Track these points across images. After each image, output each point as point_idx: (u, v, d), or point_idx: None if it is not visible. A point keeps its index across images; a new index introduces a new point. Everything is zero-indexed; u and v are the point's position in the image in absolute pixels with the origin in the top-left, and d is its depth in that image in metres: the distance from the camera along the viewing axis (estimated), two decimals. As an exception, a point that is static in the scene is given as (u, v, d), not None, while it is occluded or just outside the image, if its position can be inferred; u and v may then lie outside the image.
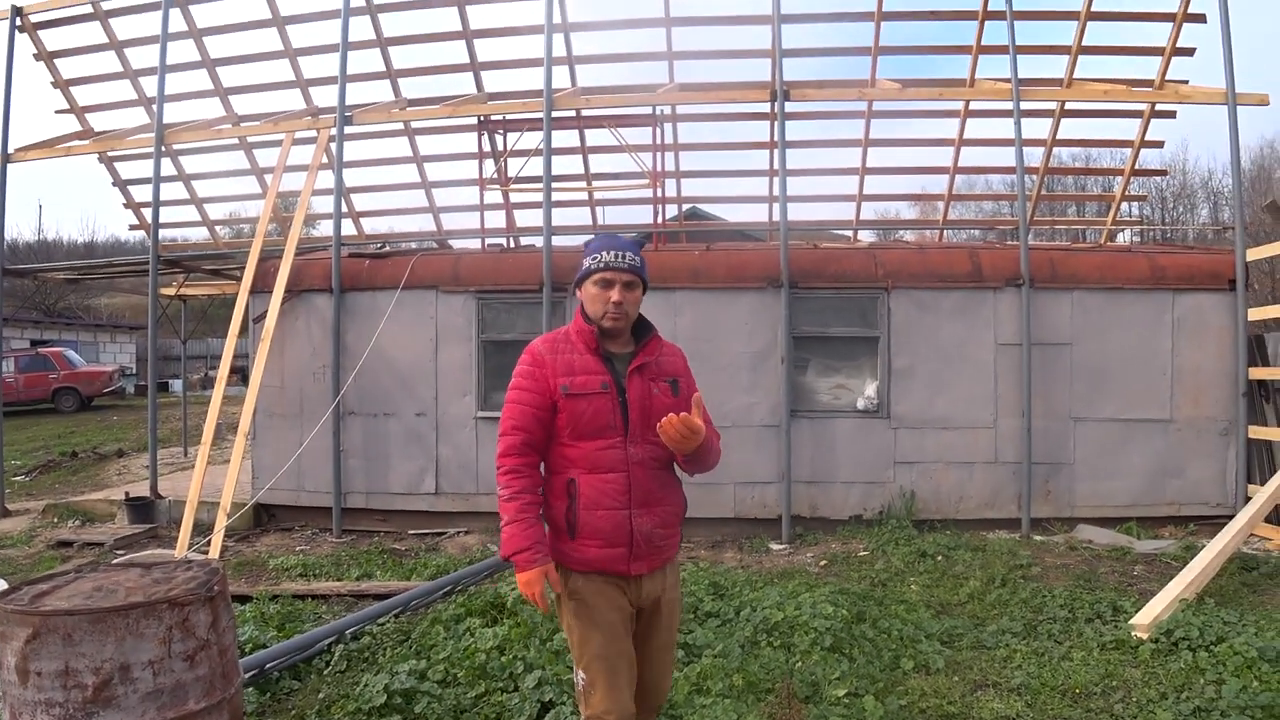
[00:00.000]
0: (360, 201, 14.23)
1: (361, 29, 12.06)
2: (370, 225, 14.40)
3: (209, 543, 9.12)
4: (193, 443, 15.98)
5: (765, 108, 10.99)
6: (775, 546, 9.55)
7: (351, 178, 13.45)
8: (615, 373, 3.22)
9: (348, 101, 10.99)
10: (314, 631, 5.74)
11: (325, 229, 11.60)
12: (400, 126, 13.14)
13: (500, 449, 3.22)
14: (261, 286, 10.50)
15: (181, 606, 3.33)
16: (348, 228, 13.72)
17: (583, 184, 13.40)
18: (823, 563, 8.70)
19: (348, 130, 11.15)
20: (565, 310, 10.21)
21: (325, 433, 10.17)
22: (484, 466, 10.25)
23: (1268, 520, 9.04)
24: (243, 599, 7.06)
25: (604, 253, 3.23)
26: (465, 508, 10.31)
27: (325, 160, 11.35)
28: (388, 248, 12.57)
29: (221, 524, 9.22)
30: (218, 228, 14.82)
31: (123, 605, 3.21)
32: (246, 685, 5.00)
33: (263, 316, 10.19)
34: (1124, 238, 16.63)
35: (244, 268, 10.70)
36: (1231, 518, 8.56)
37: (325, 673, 5.49)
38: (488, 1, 12.35)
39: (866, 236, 15.41)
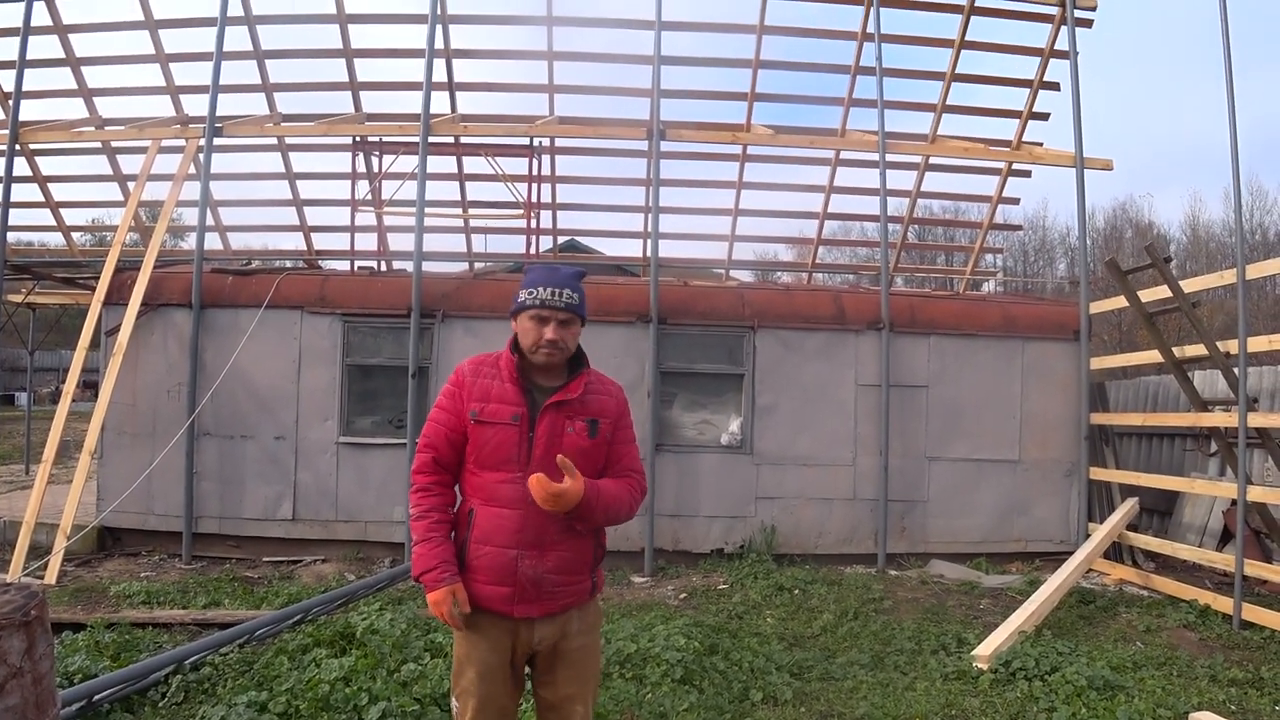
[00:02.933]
0: (228, 216, 13.86)
1: (238, 39, 11.83)
2: (238, 240, 14.05)
3: (46, 566, 8.66)
4: (36, 460, 15.15)
5: (643, 145, 11.17)
6: (637, 579, 9.60)
7: (220, 190, 13.22)
8: (533, 405, 3.12)
9: (220, 112, 10.71)
10: (149, 660, 5.50)
11: (192, 241, 11.25)
12: (274, 141, 12.88)
13: (413, 466, 3.21)
14: (117, 298, 10.07)
15: (-7, 633, 3.16)
16: (214, 242, 13.35)
17: (458, 210, 13.34)
18: (683, 595, 8.78)
19: (218, 142, 10.84)
20: (435, 337, 10.11)
21: (178, 453, 9.78)
22: (344, 493, 10.02)
23: (1105, 556, 9.58)
24: (77, 627, 6.71)
25: (541, 289, 3.11)
26: (323, 535, 10.05)
27: (193, 171, 11.01)
28: (255, 264, 12.25)
29: (60, 546, 8.77)
30: (75, 234, 14.18)
31: (-72, 632, 3.03)
32: (72, 719, 4.77)
33: (116, 329, 9.78)
34: (989, 287, 17.41)
35: (99, 277, 10.26)
36: (1073, 554, 9.05)
37: (160, 705, 5.26)
38: (370, 22, 12.27)
39: (742, 276, 15.75)
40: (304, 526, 10.05)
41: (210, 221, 12.73)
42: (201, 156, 10.73)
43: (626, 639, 6.26)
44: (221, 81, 10.71)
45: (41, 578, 8.46)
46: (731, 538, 10.18)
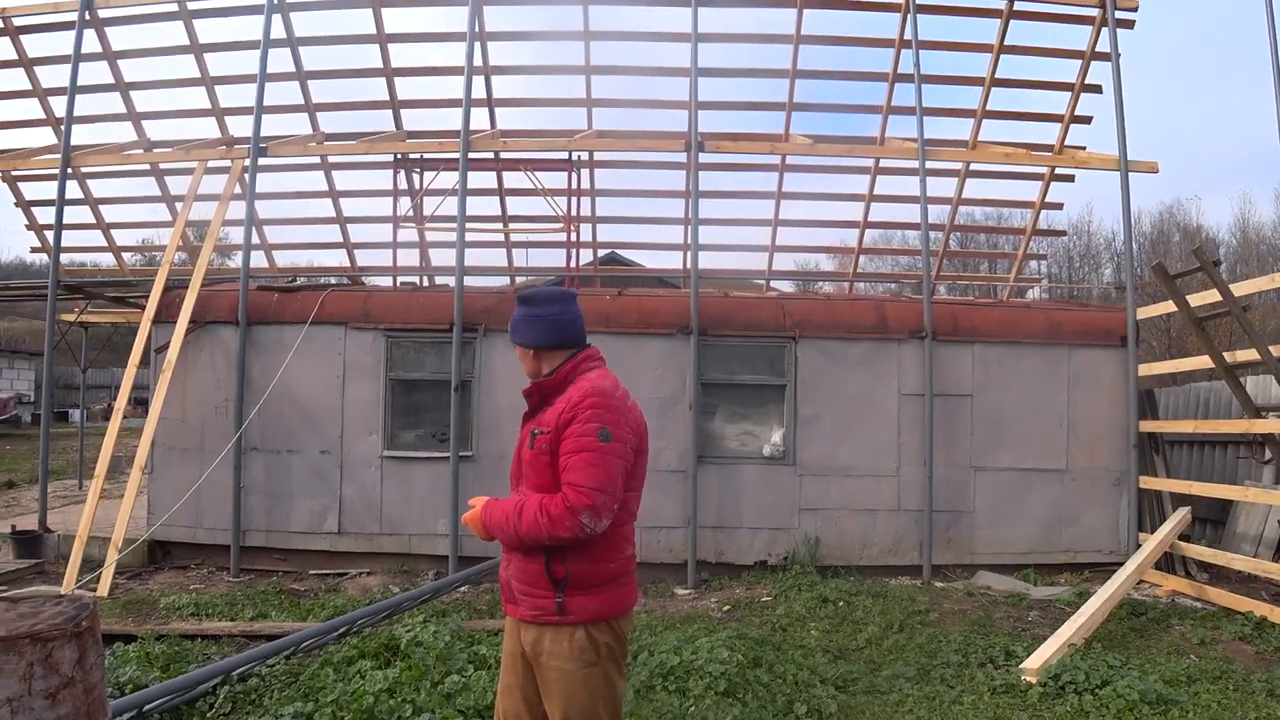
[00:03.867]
0: (273, 234, 14.08)
1: (281, 61, 12.05)
2: (283, 258, 14.27)
3: (98, 579, 8.82)
4: (89, 475, 15.44)
5: (682, 157, 11.19)
6: (680, 591, 9.58)
7: (265, 209, 13.34)
8: None
9: (264, 133, 10.88)
10: (198, 672, 5.58)
11: (238, 260, 11.43)
12: (317, 160, 13.07)
13: None
14: (166, 316, 10.26)
15: (45, 642, 3.21)
16: (260, 260, 13.57)
17: (499, 225, 13.45)
18: (726, 608, 8.74)
19: (263, 161, 11.01)
20: (477, 351, 10.19)
21: (226, 468, 9.94)
22: (389, 507, 10.12)
23: (1157, 567, 9.39)
24: (128, 638, 6.82)
25: (518, 307, 3.42)
26: (368, 548, 10.14)
27: (239, 191, 11.21)
28: (300, 281, 12.43)
29: (112, 559, 8.93)
30: (125, 254, 14.48)
31: (-17, 642, 3.10)
32: (123, 728, 4.85)
33: (166, 347, 9.97)
34: (1034, 294, 17.21)
35: (149, 296, 10.46)
36: (1123, 564, 8.88)
37: (209, 715, 5.34)
38: (409, 41, 12.43)
39: (783, 286, 15.71)
40: (349, 540, 10.16)
41: (256, 240, 12.93)
42: (246, 176, 10.93)
43: (669, 651, 6.24)
44: (265, 103, 10.88)
45: (94, 590, 8.62)
46: (775, 549, 10.12)
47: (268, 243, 14.00)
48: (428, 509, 10.06)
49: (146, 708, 5.05)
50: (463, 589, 9.21)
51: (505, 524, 3.16)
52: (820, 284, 22.86)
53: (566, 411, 3.15)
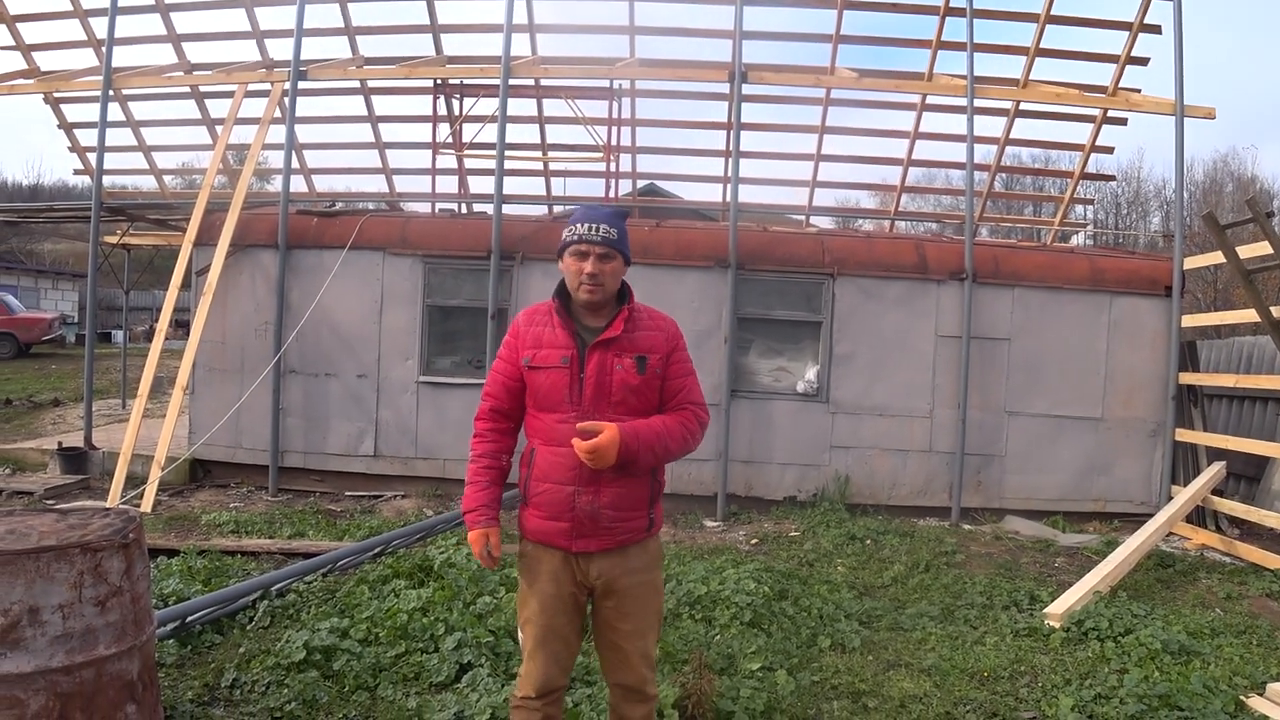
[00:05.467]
0: (313, 158, 14.09)
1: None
2: (322, 183, 14.24)
3: (141, 495, 9.03)
4: (131, 395, 15.73)
5: (724, 88, 11.00)
6: (709, 523, 9.66)
7: (304, 134, 13.31)
8: (582, 346, 3.19)
9: (304, 56, 10.85)
10: (238, 586, 5.72)
11: (279, 184, 11.49)
12: (356, 85, 13.00)
13: (476, 413, 3.37)
14: (206, 239, 10.33)
15: (94, 552, 3.32)
16: (299, 185, 13.59)
17: (538, 154, 13.36)
18: (754, 541, 8.81)
19: (302, 85, 10.96)
20: (514, 279, 10.20)
21: (265, 390, 10.09)
22: (423, 431, 10.24)
23: (1188, 520, 9.32)
24: (171, 553, 7.00)
25: (580, 225, 3.20)
26: (403, 471, 10.30)
27: (278, 114, 11.20)
28: (339, 206, 12.46)
29: (155, 477, 9.13)
30: (166, 177, 14.56)
31: (34, 548, 3.19)
32: (167, 638, 5.00)
33: (206, 270, 10.06)
34: (1078, 240, 16.90)
35: (190, 219, 10.54)
36: (1154, 516, 8.82)
37: (248, 628, 5.49)
38: (452, -36, 12.26)
39: (822, 222, 15.53)
40: (385, 463, 10.31)
41: (295, 165, 12.94)
42: (287, 100, 10.91)
43: (697, 581, 6.32)
44: (305, 26, 10.85)
45: (138, 506, 8.82)
46: (804, 486, 10.16)
47: (307, 168, 14.00)
48: (462, 434, 10.05)
49: (190, 619, 5.20)
50: (495, 515, 9.33)
51: (656, 444, 3.11)
52: (861, 221, 22.64)
53: (669, 340, 3.29)
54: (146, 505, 8.89)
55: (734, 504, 10.06)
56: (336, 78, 11.84)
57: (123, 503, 8.82)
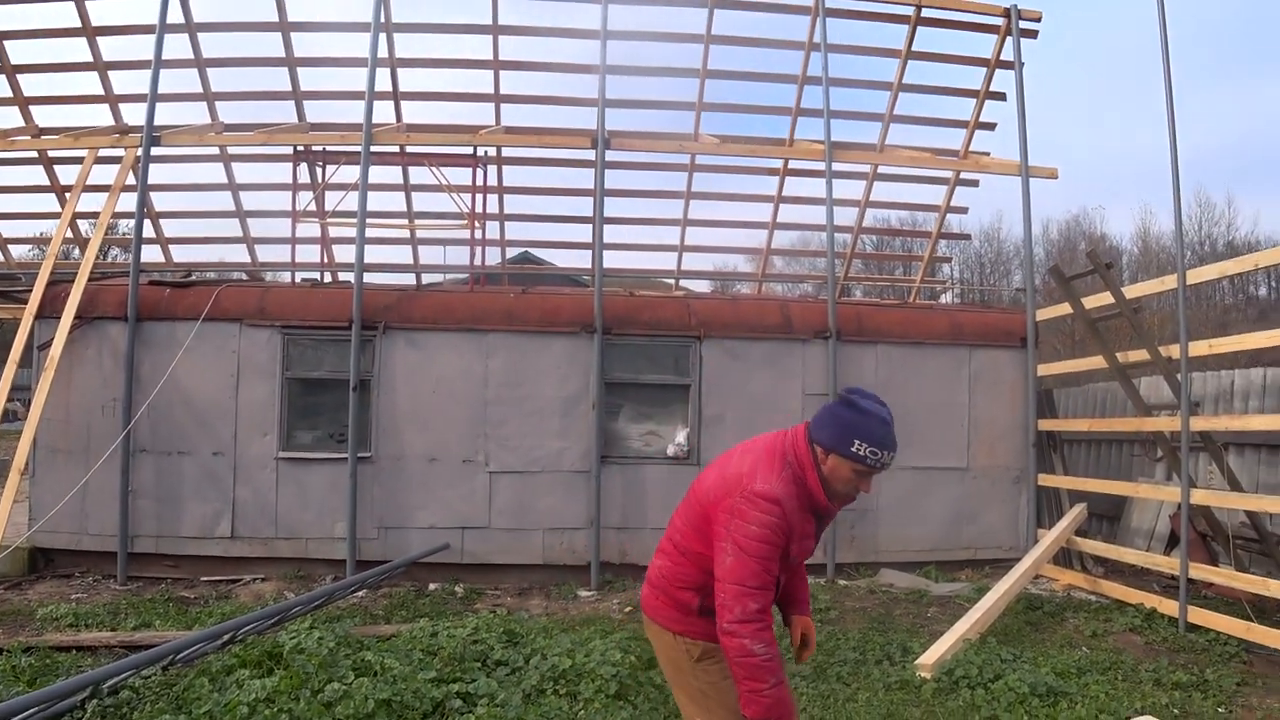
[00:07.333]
0: (170, 227, 13.58)
1: (179, 46, 11.59)
2: (180, 253, 13.73)
3: (-29, 589, 8.40)
4: (-28, 478, 14.75)
5: (590, 155, 11.08)
6: (583, 593, 9.49)
7: (161, 202, 12.86)
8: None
9: (160, 121, 10.52)
10: (62, 684, 5.29)
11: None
12: (215, 151, 12.64)
13: (759, 603, 3.00)
14: (50, 312, 9.79)
15: None
16: (155, 254, 13.09)
17: (403, 221, 13.17)
18: (628, 609, 8.69)
19: (159, 152, 10.59)
20: (377, 349, 9.95)
21: (112, 470, 9.53)
22: (284, 510, 9.83)
23: (1054, 562, 9.61)
24: (-4, 652, 6.50)
25: (887, 453, 3.02)
26: (263, 553, 9.83)
27: (132, 181, 10.78)
28: (194, 276, 12.01)
29: (-14, 568, 8.51)
30: (10, 246, 13.85)
31: None
32: (-23, 746, 4.59)
33: (49, 344, 9.53)
34: (946, 298, 17.52)
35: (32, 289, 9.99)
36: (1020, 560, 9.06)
37: (74, 731, 5.10)
38: (312, 30, 12.10)
39: (696, 286, 15.71)
40: (243, 544, 9.84)
41: (150, 233, 12.49)
42: (140, 166, 10.52)
43: (562, 654, 6.17)
44: (161, 90, 10.53)
45: (-34, 600, 8.20)
46: (680, 550, 10.07)
47: (164, 237, 13.49)
48: (325, 512, 9.80)
49: (3, 724, 4.79)
50: (360, 593, 9.00)
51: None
52: (735, 285, 23.07)
53: None
54: (-24, 599, 8.27)
55: (608, 572, 9.92)
56: (193, 144, 11.49)
57: (-51, 598, 8.18)
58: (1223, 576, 7.98)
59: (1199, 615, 7.68)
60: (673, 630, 3.31)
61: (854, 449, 2.99)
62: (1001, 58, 11.59)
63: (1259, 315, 34.88)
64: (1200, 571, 8.01)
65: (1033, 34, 11.33)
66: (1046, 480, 10.44)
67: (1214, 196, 49.95)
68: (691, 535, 3.24)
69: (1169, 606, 8.00)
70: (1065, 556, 9.95)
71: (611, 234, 10.44)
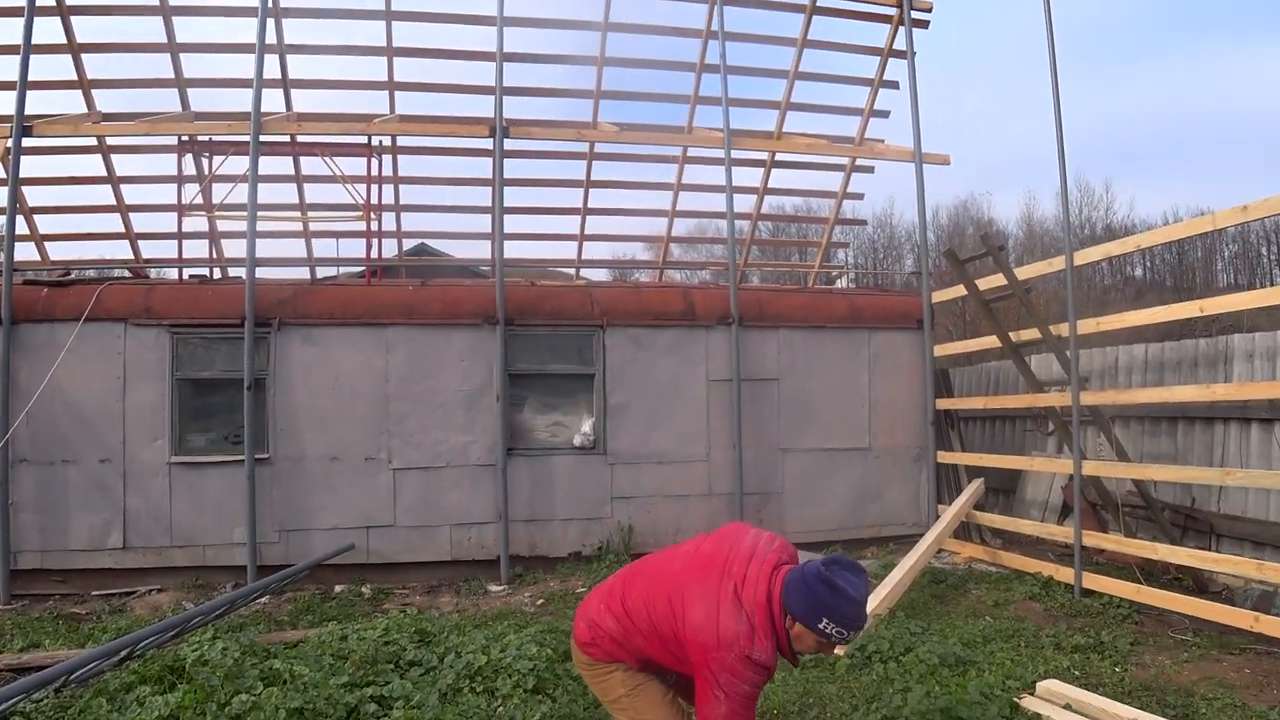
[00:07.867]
0: (45, 224, 12.90)
1: (51, 31, 10.97)
2: (56, 250, 13.05)
3: None
4: None
5: (488, 144, 10.91)
6: (494, 588, 9.40)
7: (35, 196, 12.21)
8: None
9: (32, 110, 9.94)
10: (-59, 716, 5.01)
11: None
12: (94, 142, 12.04)
13: None
14: (-85, 317, 9.23)
15: None
16: (30, 252, 12.44)
17: (296, 214, 12.77)
18: (540, 601, 8.64)
19: (30, 143, 10.04)
20: (271, 346, 9.64)
21: (-10, 483, 9.05)
22: (179, 517, 9.45)
23: (955, 535, 9.90)
24: None
25: (853, 632, 3.18)
26: (158, 563, 9.44)
27: (2, 174, 10.21)
28: (74, 274, 11.46)
29: None
30: None
31: None
32: None
33: (-88, 352, 8.97)
34: (842, 283, 17.82)
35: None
36: (924, 536, 9.29)
37: (-42, 764, 4.82)
38: (196, 14, 11.62)
39: (596, 275, 15.66)
40: (136, 555, 9.43)
41: (24, 230, 11.86)
42: (10, 159, 9.96)
43: (477, 651, 6.11)
44: (32, 77, 9.93)
45: None
46: (589, 540, 10.08)
47: (38, 233, 12.81)
48: (223, 517, 9.47)
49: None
50: (263, 600, 8.74)
51: None
52: (635, 273, 23.15)
53: None
54: None
55: (519, 565, 9.84)
56: (69, 134, 10.93)
57: None
58: (1113, 543, 8.34)
59: (1093, 581, 8.03)
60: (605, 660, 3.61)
61: (821, 625, 3.16)
62: (895, 47, 11.81)
63: (1136, 295, 36.48)
64: (1092, 539, 8.36)
65: (924, 24, 11.55)
66: (945, 457, 10.75)
67: (1093, 181, 51.99)
68: (655, 642, 3.43)
69: (1065, 574, 8.33)
70: (965, 530, 10.27)
71: (511, 224, 10.33)
